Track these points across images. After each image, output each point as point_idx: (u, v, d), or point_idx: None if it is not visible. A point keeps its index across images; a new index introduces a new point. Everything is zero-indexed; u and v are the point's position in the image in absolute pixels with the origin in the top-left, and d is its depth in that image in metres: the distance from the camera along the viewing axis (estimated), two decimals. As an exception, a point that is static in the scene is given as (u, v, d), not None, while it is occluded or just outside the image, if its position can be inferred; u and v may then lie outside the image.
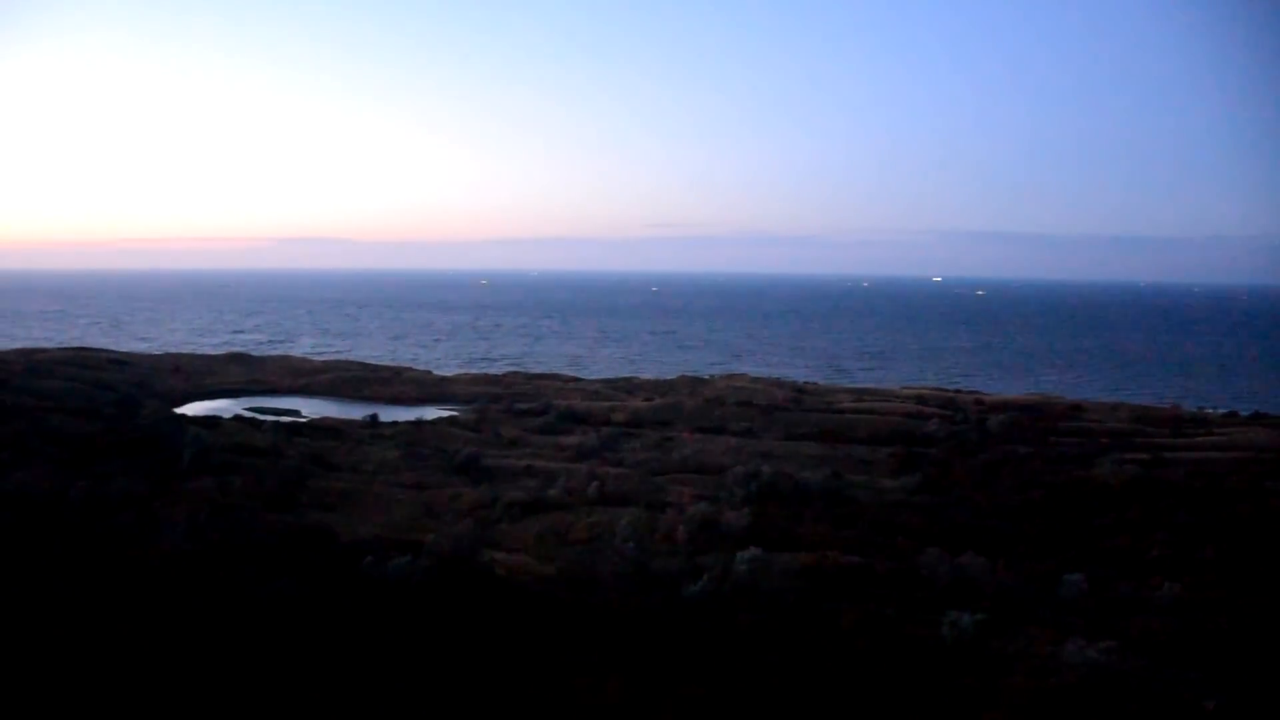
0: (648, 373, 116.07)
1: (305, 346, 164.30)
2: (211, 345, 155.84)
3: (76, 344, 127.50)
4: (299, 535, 29.51)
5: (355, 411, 69.05)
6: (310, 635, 20.88)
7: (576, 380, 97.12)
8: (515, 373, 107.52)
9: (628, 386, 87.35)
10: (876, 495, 43.01)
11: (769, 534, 32.01)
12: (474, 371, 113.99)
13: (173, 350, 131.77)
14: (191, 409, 70.68)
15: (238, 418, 61.41)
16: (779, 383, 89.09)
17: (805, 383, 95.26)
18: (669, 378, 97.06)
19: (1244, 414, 73.78)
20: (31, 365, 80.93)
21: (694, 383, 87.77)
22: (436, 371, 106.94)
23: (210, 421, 56.59)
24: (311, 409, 73.24)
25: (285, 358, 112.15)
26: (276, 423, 59.27)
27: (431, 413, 71.40)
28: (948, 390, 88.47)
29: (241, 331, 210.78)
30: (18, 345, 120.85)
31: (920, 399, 76.40)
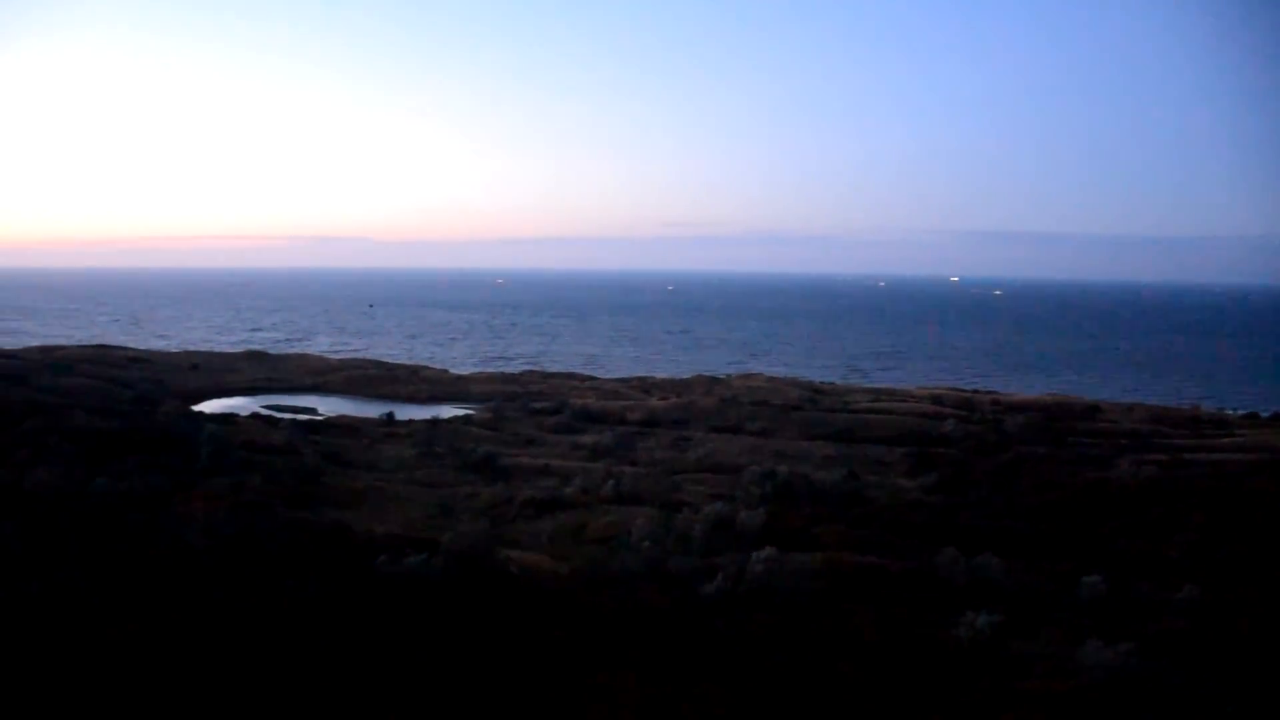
0: (663, 372, 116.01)
1: (322, 345, 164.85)
2: (229, 343, 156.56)
3: (96, 341, 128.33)
4: (315, 533, 29.58)
5: (371, 410, 69.29)
6: (326, 632, 20.92)
7: (592, 379, 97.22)
8: (531, 372, 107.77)
9: (643, 386, 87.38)
10: (892, 495, 42.92)
11: (784, 534, 31.90)
12: (490, 370, 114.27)
13: (191, 348, 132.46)
14: (209, 406, 71.05)
15: (255, 415, 61.72)
16: (795, 382, 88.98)
17: (821, 383, 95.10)
18: (685, 377, 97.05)
19: (1265, 415, 73.31)
20: (52, 362, 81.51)
21: (710, 382, 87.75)
22: (453, 370, 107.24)
23: (227, 419, 56.87)
24: (328, 407, 73.52)
25: (302, 356, 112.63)
26: (293, 420, 59.58)
27: (448, 411, 71.57)
28: (965, 391, 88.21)
29: (259, 329, 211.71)
30: (38, 343, 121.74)
31: (937, 399, 76.19)
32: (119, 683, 17.69)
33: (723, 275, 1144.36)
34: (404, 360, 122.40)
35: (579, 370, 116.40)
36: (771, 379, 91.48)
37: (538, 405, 70.85)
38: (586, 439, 56.72)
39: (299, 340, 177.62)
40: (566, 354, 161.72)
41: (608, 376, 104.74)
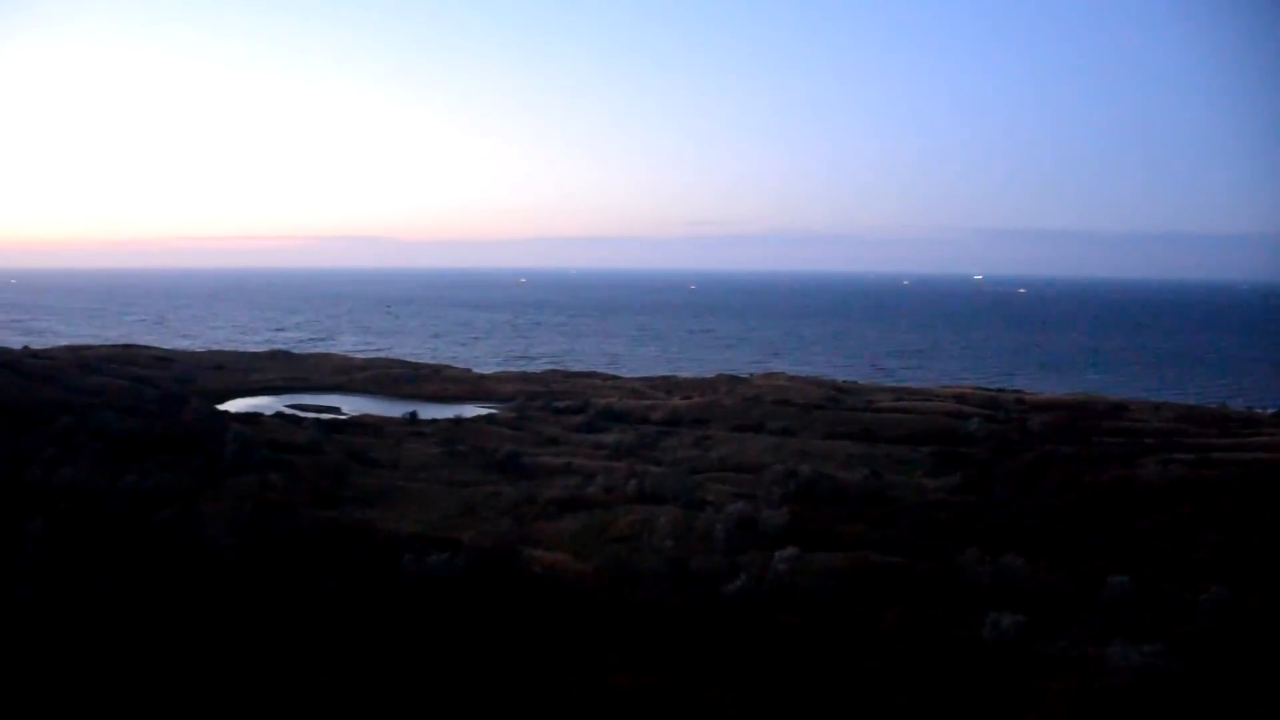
0: (686, 371, 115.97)
1: (346, 344, 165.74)
2: (254, 343, 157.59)
3: (123, 341, 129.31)
4: (339, 531, 29.73)
5: (395, 409, 69.50)
6: (350, 630, 21.00)
7: (615, 379, 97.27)
8: (554, 371, 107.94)
9: (666, 385, 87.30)
10: (916, 495, 42.68)
11: (807, 533, 31.81)
12: (513, 369, 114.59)
13: (215, 347, 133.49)
14: (234, 406, 71.48)
15: (279, 414, 62.02)
16: (818, 381, 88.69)
17: (844, 382, 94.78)
18: (707, 376, 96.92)
19: (1293, 414, 72.54)
20: (80, 362, 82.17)
21: (732, 381, 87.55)
22: (476, 369, 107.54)
23: (252, 418, 57.18)
24: (352, 406, 73.81)
25: (326, 355, 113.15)
26: (317, 420, 59.84)
27: (471, 410, 71.75)
28: (989, 389, 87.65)
29: (283, 329, 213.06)
30: (66, 342, 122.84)
31: (961, 398, 75.75)
32: (144, 677, 17.81)
33: (746, 274, 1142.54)
34: (427, 360, 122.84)
35: (601, 369, 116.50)
36: (794, 378, 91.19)
37: (560, 404, 70.91)
38: (609, 438, 56.70)
39: (322, 340, 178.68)
40: (589, 353, 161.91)
41: (630, 376, 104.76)
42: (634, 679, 19.16)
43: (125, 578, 23.04)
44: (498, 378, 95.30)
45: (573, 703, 18.20)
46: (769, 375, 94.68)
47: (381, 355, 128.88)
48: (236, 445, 42.27)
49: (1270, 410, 77.97)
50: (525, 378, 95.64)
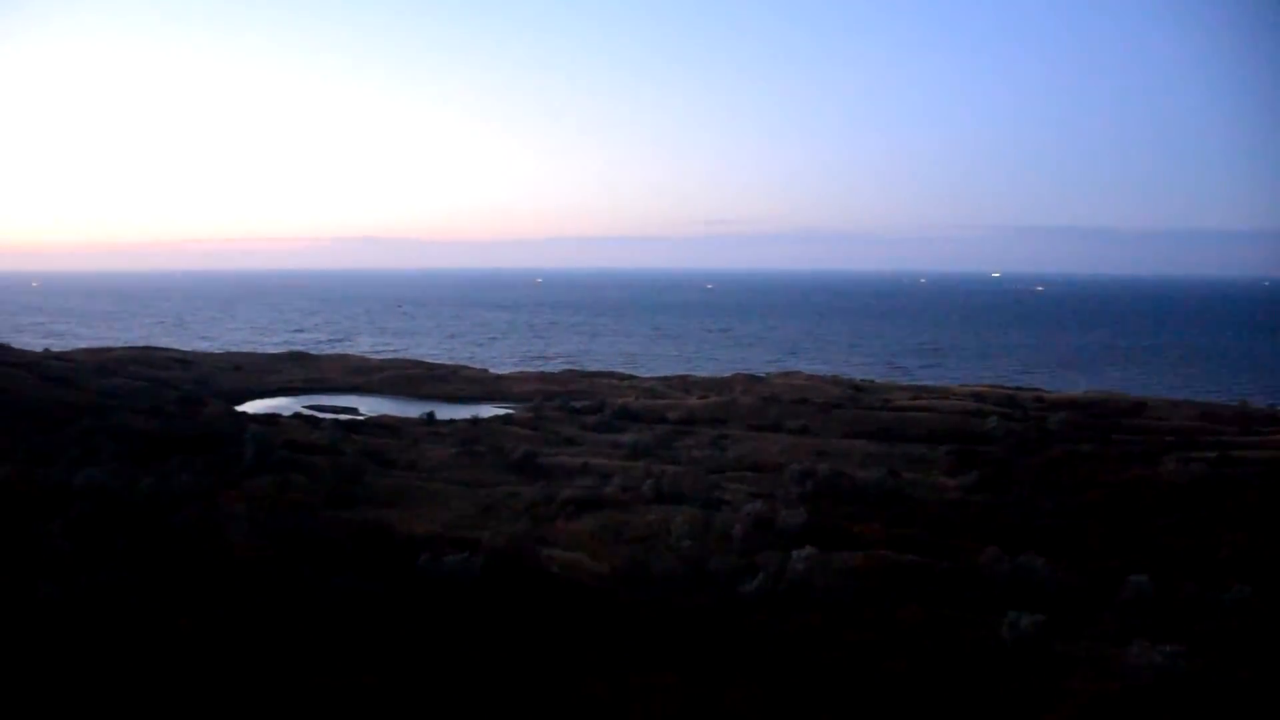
0: (703, 370, 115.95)
1: (363, 345, 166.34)
2: (272, 344, 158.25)
3: (142, 343, 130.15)
4: (357, 532, 29.81)
5: (412, 409, 69.70)
6: (368, 630, 21.07)
7: (632, 378, 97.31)
8: (571, 371, 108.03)
9: (683, 384, 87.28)
10: (934, 494, 42.56)
11: (825, 532, 31.76)
12: (530, 369, 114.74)
13: (234, 349, 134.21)
14: (252, 407, 71.87)
15: (297, 415, 62.28)
16: (835, 380, 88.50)
17: (862, 380, 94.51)
18: (724, 375, 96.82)
19: (1316, 411, 71.96)
20: (99, 364, 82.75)
21: (749, 380, 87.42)
22: (493, 370, 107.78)
23: (270, 419, 57.46)
24: (369, 407, 74.10)
25: (343, 356, 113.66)
26: (335, 420, 60.03)
27: (488, 411, 71.91)
28: (1007, 388, 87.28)
29: (301, 330, 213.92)
30: (86, 344, 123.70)
31: (979, 396, 75.45)
32: (168, 676, 17.91)
33: (762, 273, 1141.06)
34: (444, 360, 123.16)
35: (619, 369, 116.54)
36: (811, 377, 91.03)
37: (577, 404, 70.97)
38: (626, 438, 56.70)
39: (340, 341, 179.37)
40: (606, 353, 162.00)
41: (647, 375, 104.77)
42: (652, 679, 19.15)
43: (146, 578, 23.17)
44: (515, 378, 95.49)
45: (591, 703, 18.20)
46: (786, 374, 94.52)
47: (399, 356, 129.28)
48: (255, 446, 42.47)
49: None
50: (542, 378, 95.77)
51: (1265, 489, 40.16)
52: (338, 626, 21.19)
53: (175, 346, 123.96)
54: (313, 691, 17.82)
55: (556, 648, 20.96)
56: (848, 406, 68.03)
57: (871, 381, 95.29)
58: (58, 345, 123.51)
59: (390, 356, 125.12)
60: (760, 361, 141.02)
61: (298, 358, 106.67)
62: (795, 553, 27.37)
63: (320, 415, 64.61)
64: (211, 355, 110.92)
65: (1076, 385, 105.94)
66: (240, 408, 68.66)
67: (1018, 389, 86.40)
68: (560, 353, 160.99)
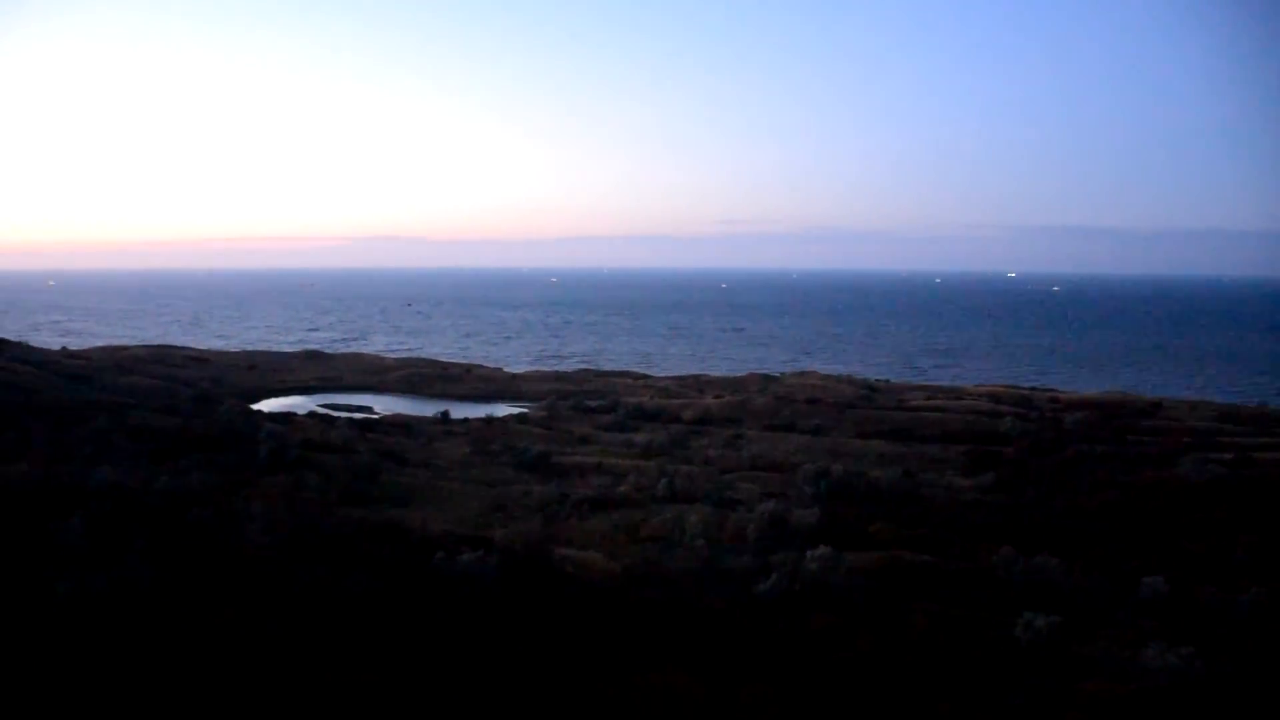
0: (717, 370, 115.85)
1: (378, 344, 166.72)
2: (287, 343, 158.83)
3: (159, 341, 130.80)
4: (372, 530, 29.89)
5: (427, 408, 69.87)
6: (383, 628, 21.11)
7: (646, 378, 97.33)
8: (585, 370, 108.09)
9: (697, 384, 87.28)
10: (949, 494, 42.43)
11: (839, 532, 31.67)
12: (544, 369, 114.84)
13: (249, 348, 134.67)
14: (267, 405, 72.14)
15: (312, 414, 62.48)
16: (849, 380, 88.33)
17: (877, 380, 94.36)
18: (739, 375, 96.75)
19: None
20: (116, 362, 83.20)
21: (764, 380, 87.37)
22: (507, 369, 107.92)
23: (285, 418, 57.65)
24: (384, 406, 74.30)
25: (358, 355, 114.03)
26: (350, 419, 60.22)
27: (502, 409, 72.03)
28: (1023, 388, 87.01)
29: (316, 329, 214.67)
30: (103, 343, 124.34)
31: (994, 397, 75.23)
32: (184, 672, 17.99)
33: (777, 273, 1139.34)
34: (459, 359, 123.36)
35: (633, 369, 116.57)
36: (826, 377, 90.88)
37: (591, 404, 71.02)
38: (640, 437, 56.73)
39: (355, 340, 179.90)
40: (620, 352, 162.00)
41: (661, 374, 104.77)
42: (666, 678, 19.14)
43: (163, 575, 23.27)
44: (529, 377, 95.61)
45: (606, 702, 18.21)
46: (801, 374, 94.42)
47: (414, 355, 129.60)
48: (270, 445, 42.63)
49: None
50: (557, 377, 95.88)
51: (1283, 490, 39.85)
52: (352, 624, 21.24)
53: (191, 345, 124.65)
54: (326, 689, 17.88)
55: (570, 647, 20.96)
56: (862, 406, 67.95)
57: (887, 381, 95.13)
58: (75, 343, 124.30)
59: (405, 355, 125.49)
60: (775, 361, 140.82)
61: (313, 357, 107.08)
62: (809, 553, 27.30)
63: (335, 414, 64.82)
64: (227, 354, 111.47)
65: (1092, 385, 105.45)
66: (256, 406, 68.94)
67: (1033, 389, 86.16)
68: (575, 352, 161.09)
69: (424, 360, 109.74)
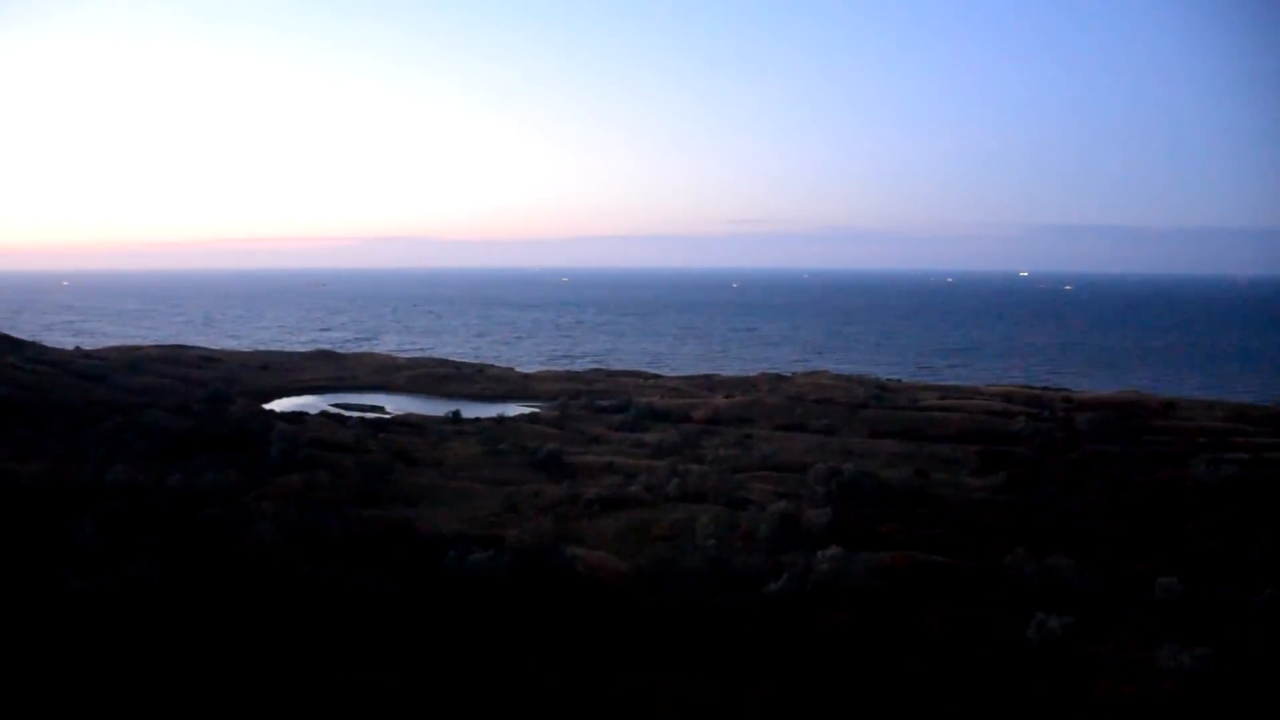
0: (728, 370, 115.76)
1: (390, 344, 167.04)
2: (299, 343, 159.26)
3: (171, 341, 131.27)
4: (383, 529, 29.94)
5: (438, 408, 69.94)
6: (397, 627, 21.13)
7: (657, 377, 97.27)
8: (596, 370, 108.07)
9: (708, 384, 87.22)
10: (961, 494, 42.28)
11: (850, 532, 31.60)
12: (555, 368, 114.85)
13: (261, 347, 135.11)
14: (279, 405, 72.30)
15: (324, 414, 62.57)
16: (861, 380, 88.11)
17: (888, 380, 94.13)
18: (750, 375, 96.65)
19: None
20: (129, 362, 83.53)
21: (775, 380, 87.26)
22: (519, 368, 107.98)
23: (297, 417, 57.75)
24: (395, 405, 74.37)
25: (370, 355, 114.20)
26: (361, 419, 60.32)
27: (513, 409, 72.00)
28: (1035, 388, 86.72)
29: (328, 329, 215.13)
30: (116, 343, 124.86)
31: (1007, 397, 74.98)
32: (195, 671, 18.03)
33: (788, 272, 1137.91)
34: (470, 359, 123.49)
35: (644, 368, 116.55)
36: (837, 376, 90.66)
37: (603, 403, 70.99)
38: (651, 437, 56.69)
39: (367, 340, 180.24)
40: (632, 352, 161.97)
41: (672, 374, 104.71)
42: (677, 679, 19.12)
43: (174, 574, 23.35)
44: (540, 377, 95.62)
45: (617, 702, 18.19)
46: (812, 374, 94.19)
47: (425, 355, 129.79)
48: (282, 444, 42.71)
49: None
50: (568, 376, 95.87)
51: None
52: (364, 623, 21.27)
53: (204, 345, 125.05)
54: (336, 687, 17.90)
55: (581, 646, 20.95)
56: (874, 406, 67.79)
57: (898, 381, 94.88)
58: (87, 343, 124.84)
59: (416, 355, 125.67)
60: (786, 361, 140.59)
61: (325, 356, 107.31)
62: (821, 553, 27.25)
63: (347, 413, 64.91)
64: (239, 353, 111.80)
65: (1105, 385, 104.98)
66: (268, 406, 69.11)
67: (1046, 389, 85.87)
68: (586, 352, 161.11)
69: (436, 360, 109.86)
